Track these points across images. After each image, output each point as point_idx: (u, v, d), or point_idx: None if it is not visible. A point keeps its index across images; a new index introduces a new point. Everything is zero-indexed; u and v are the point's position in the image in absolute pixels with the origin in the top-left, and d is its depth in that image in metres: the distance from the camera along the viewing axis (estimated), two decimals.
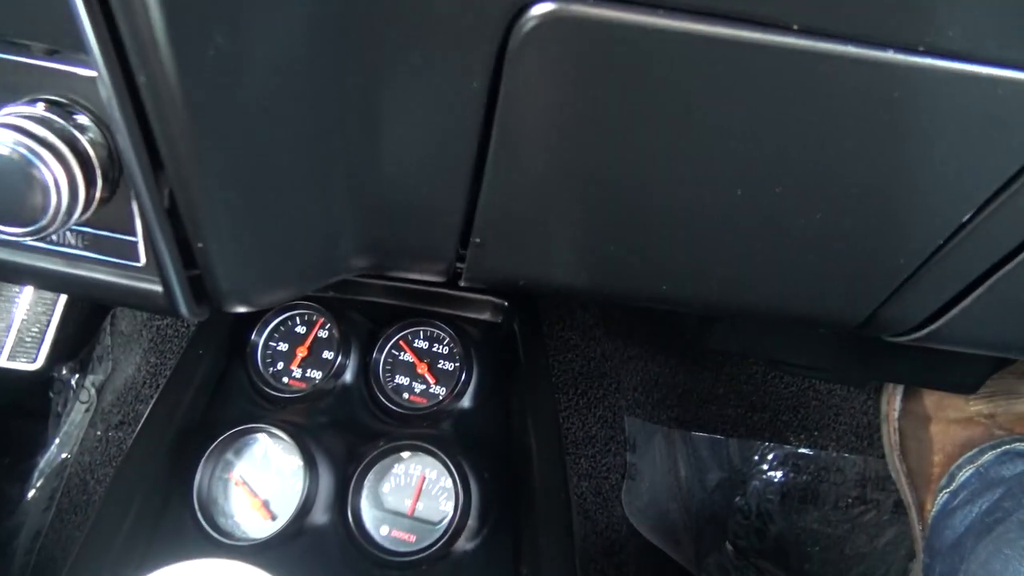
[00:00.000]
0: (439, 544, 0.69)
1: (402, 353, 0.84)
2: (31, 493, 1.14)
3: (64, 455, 1.15)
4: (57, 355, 1.15)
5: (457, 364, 0.83)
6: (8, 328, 1.12)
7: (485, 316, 0.89)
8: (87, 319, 1.20)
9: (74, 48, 0.38)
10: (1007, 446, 1.03)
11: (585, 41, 0.37)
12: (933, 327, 0.55)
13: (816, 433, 1.28)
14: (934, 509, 1.07)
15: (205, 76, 0.35)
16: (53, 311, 1.14)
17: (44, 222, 0.40)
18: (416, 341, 0.85)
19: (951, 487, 1.06)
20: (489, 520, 0.73)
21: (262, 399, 0.82)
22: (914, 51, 0.35)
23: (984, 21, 0.34)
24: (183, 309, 0.47)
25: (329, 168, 0.44)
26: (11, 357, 1.11)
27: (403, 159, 0.44)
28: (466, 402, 0.81)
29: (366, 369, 0.83)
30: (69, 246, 0.46)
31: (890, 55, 0.36)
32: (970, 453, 1.06)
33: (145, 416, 0.77)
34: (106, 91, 0.36)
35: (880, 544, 1.26)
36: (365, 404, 0.82)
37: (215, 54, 0.34)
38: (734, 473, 1.29)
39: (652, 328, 1.27)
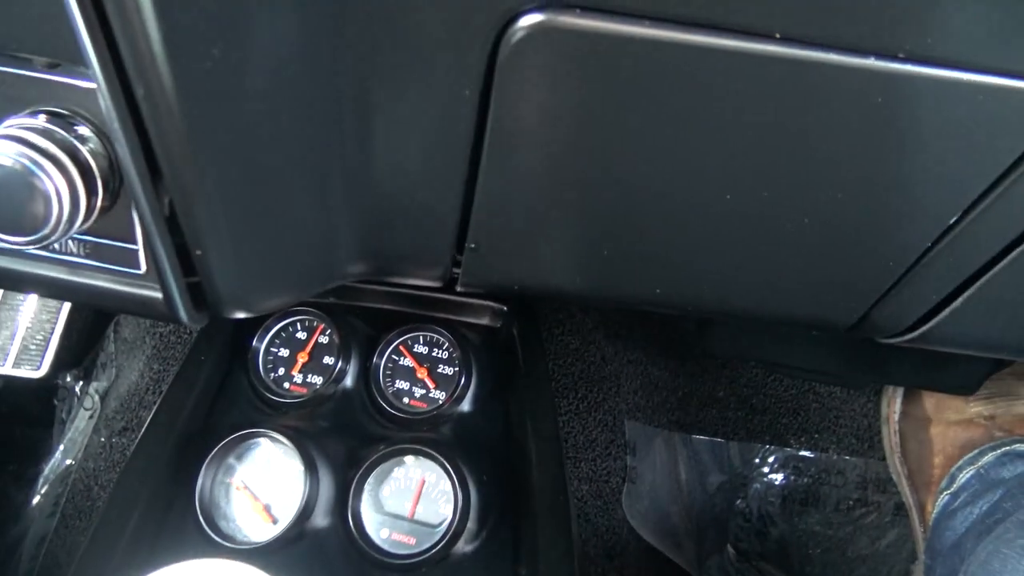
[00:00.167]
0: (439, 547, 0.70)
1: (402, 358, 0.85)
2: (36, 499, 1.14)
3: (68, 461, 1.16)
4: (61, 363, 1.16)
5: (457, 368, 0.83)
6: (12, 336, 1.13)
7: (484, 321, 0.90)
8: (91, 327, 1.21)
9: (74, 61, 0.38)
10: (1007, 447, 1.03)
11: (573, 51, 0.38)
12: (925, 328, 0.56)
13: (817, 436, 1.28)
14: (935, 510, 1.07)
15: (202, 87, 0.36)
16: (57, 319, 1.15)
17: (46, 231, 0.40)
18: (416, 346, 0.85)
19: (952, 488, 1.06)
20: (488, 523, 0.74)
21: (263, 404, 0.83)
22: (894, 58, 0.36)
23: (961, 28, 0.35)
24: (183, 315, 0.48)
25: (325, 176, 0.45)
26: (16, 365, 1.12)
27: (398, 166, 0.45)
28: (466, 406, 0.82)
29: (366, 374, 0.83)
30: (71, 254, 0.47)
31: (871, 62, 0.36)
32: (970, 454, 1.06)
33: (148, 421, 0.78)
34: (105, 103, 0.37)
35: (881, 546, 1.26)
36: (365, 409, 0.83)
37: (211, 66, 0.35)
38: (735, 476, 1.29)
39: (652, 332, 1.28)
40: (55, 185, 0.39)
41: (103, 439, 1.14)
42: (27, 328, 1.13)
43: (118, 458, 1.12)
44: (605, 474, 1.18)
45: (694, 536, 1.26)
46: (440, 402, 0.81)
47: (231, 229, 0.43)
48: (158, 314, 0.48)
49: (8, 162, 0.39)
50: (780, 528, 1.28)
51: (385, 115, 0.42)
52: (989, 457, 1.03)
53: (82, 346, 1.20)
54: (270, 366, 0.85)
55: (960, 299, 0.52)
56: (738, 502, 1.29)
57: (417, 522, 0.74)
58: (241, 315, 0.49)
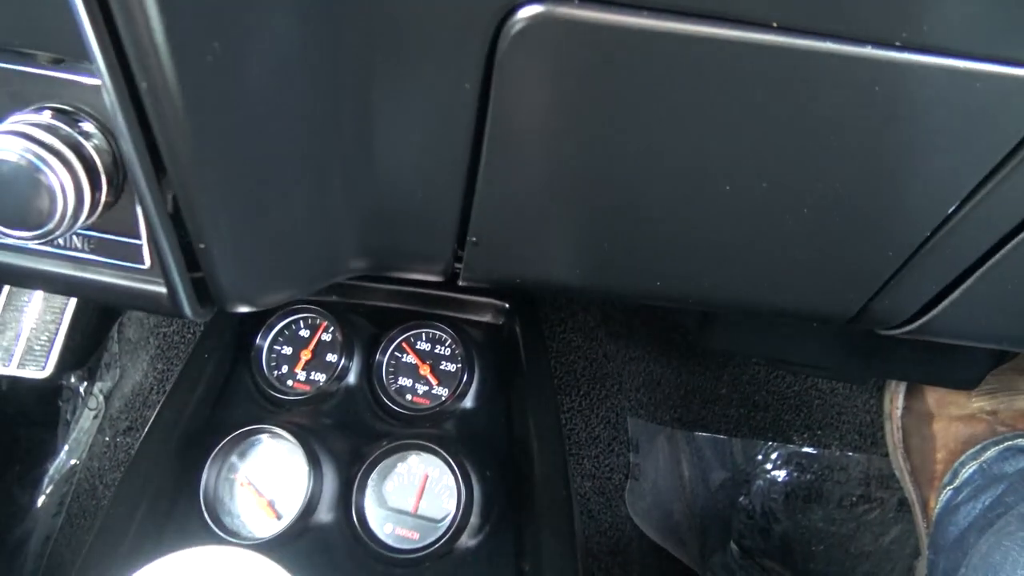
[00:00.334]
0: (442, 541, 0.70)
1: (405, 355, 0.85)
2: (41, 499, 1.15)
3: (73, 461, 1.17)
4: (65, 363, 1.17)
5: (459, 365, 0.84)
6: (17, 337, 1.13)
7: (487, 318, 0.90)
8: (95, 327, 1.22)
9: (78, 57, 0.39)
10: (1009, 442, 1.03)
11: (572, 42, 0.38)
12: (925, 320, 0.56)
13: (819, 432, 1.28)
14: (938, 506, 1.07)
15: (204, 81, 0.36)
16: (61, 320, 1.16)
17: (51, 226, 0.41)
18: (418, 343, 0.86)
19: (955, 484, 1.06)
20: (491, 518, 0.74)
21: (267, 402, 0.83)
22: (891, 46, 0.36)
23: (959, 16, 0.35)
24: (187, 310, 0.48)
25: (326, 170, 0.45)
26: (20, 365, 1.12)
27: (398, 160, 0.45)
28: (468, 402, 0.82)
29: (369, 371, 0.84)
30: (75, 250, 0.47)
31: (868, 51, 0.37)
32: (973, 449, 1.06)
33: (152, 419, 0.78)
34: (109, 98, 0.38)
35: (885, 542, 1.26)
36: (369, 405, 0.83)
37: (213, 60, 0.35)
38: (737, 473, 1.29)
39: (654, 329, 1.28)
40: (59, 180, 0.40)
41: (107, 439, 1.14)
42: (31, 329, 1.14)
43: (123, 457, 1.12)
44: (608, 471, 1.18)
45: (697, 533, 1.26)
46: (443, 399, 0.82)
47: (234, 224, 0.44)
48: (162, 309, 0.48)
49: (13, 158, 0.39)
50: (783, 525, 1.28)
51: (385, 109, 0.43)
52: (992, 452, 1.03)
53: (86, 346, 1.21)
54: (273, 364, 0.85)
55: (960, 289, 0.52)
56: (741, 499, 1.29)
57: (420, 517, 0.74)
58: (245, 309, 0.49)
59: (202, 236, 0.43)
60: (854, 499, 1.28)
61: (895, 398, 1.20)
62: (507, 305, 0.89)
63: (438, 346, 0.86)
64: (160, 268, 0.46)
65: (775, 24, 0.36)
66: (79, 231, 0.46)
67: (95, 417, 1.18)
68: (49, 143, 0.40)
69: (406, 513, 0.74)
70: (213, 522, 0.72)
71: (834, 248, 0.49)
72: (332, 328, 0.85)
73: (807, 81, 0.38)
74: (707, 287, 0.53)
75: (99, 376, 1.21)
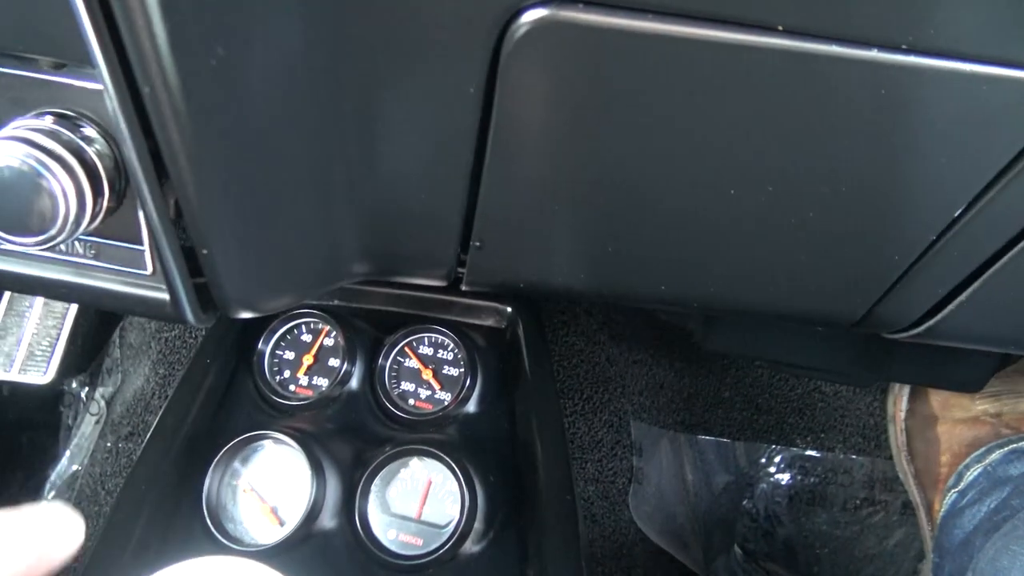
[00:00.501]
0: (446, 547, 0.70)
1: (407, 359, 0.85)
2: None
3: (75, 467, 1.17)
4: (67, 368, 1.16)
5: (462, 370, 0.83)
6: (18, 342, 1.13)
7: (489, 322, 0.90)
8: (96, 332, 1.22)
9: (80, 62, 0.39)
10: (1014, 445, 1.03)
11: (576, 46, 0.38)
12: (930, 323, 0.56)
13: (823, 435, 1.28)
14: (943, 509, 1.07)
15: (207, 85, 0.36)
16: (63, 325, 1.16)
17: (53, 232, 0.41)
18: (421, 347, 0.85)
19: (959, 486, 1.06)
20: (495, 523, 0.74)
21: (269, 407, 0.83)
22: (897, 49, 0.36)
23: (965, 19, 0.35)
24: (190, 316, 0.48)
25: (329, 175, 0.45)
26: (22, 371, 1.12)
27: (402, 164, 0.45)
28: (471, 407, 0.82)
29: (372, 376, 0.83)
30: (77, 256, 0.47)
31: (874, 54, 0.36)
32: (977, 452, 1.06)
33: (154, 425, 0.78)
34: (112, 103, 0.37)
35: (889, 545, 1.26)
36: (371, 410, 0.82)
37: (216, 64, 0.35)
38: (741, 476, 1.29)
39: (657, 333, 1.28)
40: (61, 186, 0.40)
41: (109, 444, 1.14)
42: (33, 334, 1.14)
43: (125, 463, 1.12)
44: (611, 475, 1.18)
45: (701, 537, 1.26)
46: (446, 403, 0.81)
47: (237, 229, 0.44)
48: (165, 315, 0.48)
49: (15, 163, 0.39)
50: (787, 528, 1.27)
51: (389, 113, 0.43)
52: (996, 455, 1.03)
53: (88, 352, 1.21)
54: (276, 369, 0.85)
55: (966, 293, 0.52)
56: (745, 502, 1.29)
57: (424, 523, 0.74)
58: (247, 315, 0.49)
59: (205, 241, 0.43)
60: (858, 502, 1.27)
61: (899, 401, 1.20)
62: (509, 309, 0.88)
63: (441, 350, 0.85)
64: (163, 274, 0.46)
65: (780, 28, 0.36)
66: (81, 237, 0.46)
67: (97, 422, 1.18)
68: (51, 148, 0.40)
69: (410, 519, 0.74)
70: (215, 528, 0.72)
71: (839, 251, 0.49)
72: (334, 333, 0.84)
73: (813, 84, 0.38)
74: (712, 291, 0.53)
75: (101, 381, 1.21)
